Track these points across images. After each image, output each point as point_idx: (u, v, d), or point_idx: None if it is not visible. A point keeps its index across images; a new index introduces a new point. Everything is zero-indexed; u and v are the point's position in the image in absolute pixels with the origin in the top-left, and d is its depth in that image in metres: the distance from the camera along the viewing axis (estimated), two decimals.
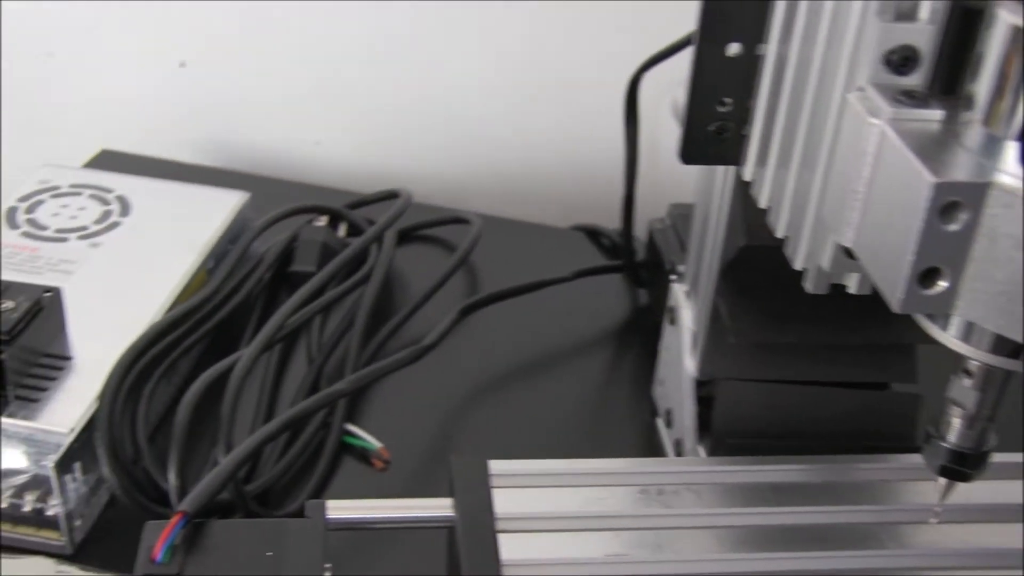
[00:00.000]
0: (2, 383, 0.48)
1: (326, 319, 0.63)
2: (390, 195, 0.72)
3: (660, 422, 0.57)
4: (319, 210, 0.69)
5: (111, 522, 0.51)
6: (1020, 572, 0.40)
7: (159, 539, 0.38)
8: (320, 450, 0.55)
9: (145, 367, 0.53)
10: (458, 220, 0.73)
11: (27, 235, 0.61)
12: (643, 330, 0.66)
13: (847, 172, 0.35)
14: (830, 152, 0.37)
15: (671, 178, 0.66)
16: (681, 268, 0.57)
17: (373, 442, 0.55)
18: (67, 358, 0.52)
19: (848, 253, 0.36)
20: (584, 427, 0.60)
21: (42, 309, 0.51)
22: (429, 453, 0.57)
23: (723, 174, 0.49)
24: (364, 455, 0.55)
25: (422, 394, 0.60)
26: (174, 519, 0.38)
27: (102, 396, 0.49)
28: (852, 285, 0.39)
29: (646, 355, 0.63)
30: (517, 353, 0.64)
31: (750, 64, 0.43)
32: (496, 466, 0.42)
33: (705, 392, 0.52)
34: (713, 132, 0.44)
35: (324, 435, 0.55)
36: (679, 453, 0.53)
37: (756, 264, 0.48)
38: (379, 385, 0.59)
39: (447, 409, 0.59)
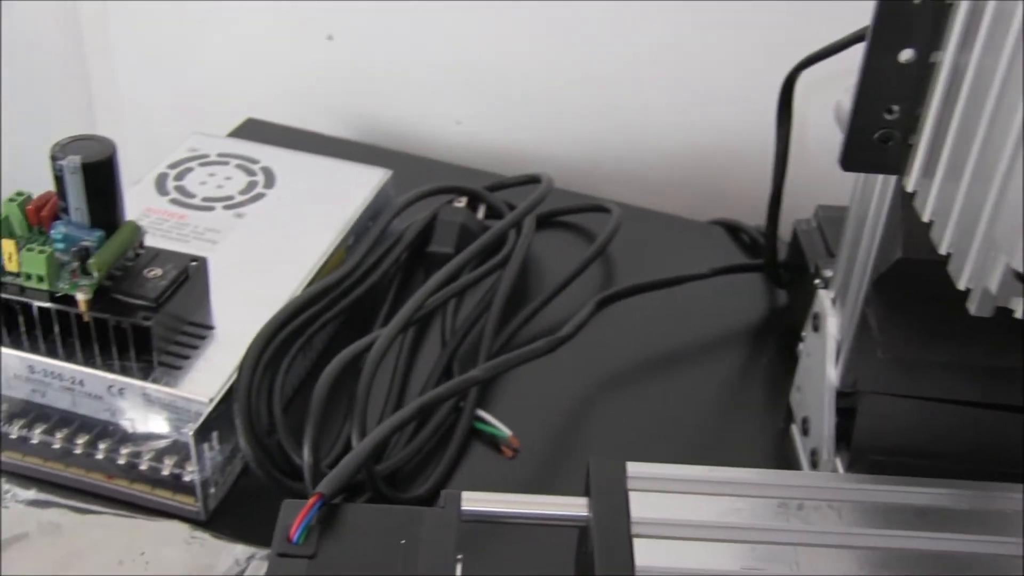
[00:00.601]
0: (148, 349, 0.49)
1: (461, 302, 0.63)
2: (531, 179, 0.71)
3: (795, 429, 0.56)
4: (460, 191, 0.69)
5: (243, 492, 0.52)
6: None
7: (296, 519, 0.38)
8: (450, 434, 0.55)
9: (283, 341, 0.53)
10: (598, 208, 0.72)
11: (175, 202, 0.62)
12: (780, 332, 0.65)
13: None
14: (1008, 170, 0.35)
15: (817, 178, 0.65)
16: (827, 272, 0.56)
17: (504, 430, 0.55)
18: (210, 327, 0.53)
19: (1020, 278, 0.35)
20: (716, 428, 0.59)
21: (188, 278, 0.51)
22: (559, 445, 0.56)
23: (882, 182, 0.48)
24: (494, 442, 0.55)
25: (554, 384, 0.59)
26: (311, 500, 0.39)
27: (241, 368, 0.50)
28: (1019, 310, 0.37)
29: (782, 358, 0.61)
30: (651, 348, 0.63)
31: (923, 71, 0.41)
32: (633, 468, 0.41)
33: (846, 404, 0.50)
34: (877, 140, 0.43)
35: (455, 420, 0.55)
36: (814, 463, 0.52)
37: (911, 278, 0.46)
38: (511, 372, 0.58)
39: (578, 401, 0.59)
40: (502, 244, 0.64)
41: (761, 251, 0.69)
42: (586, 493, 0.41)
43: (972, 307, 0.39)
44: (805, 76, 0.59)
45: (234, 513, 0.51)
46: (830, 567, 0.39)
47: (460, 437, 0.54)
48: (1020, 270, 0.34)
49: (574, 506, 0.40)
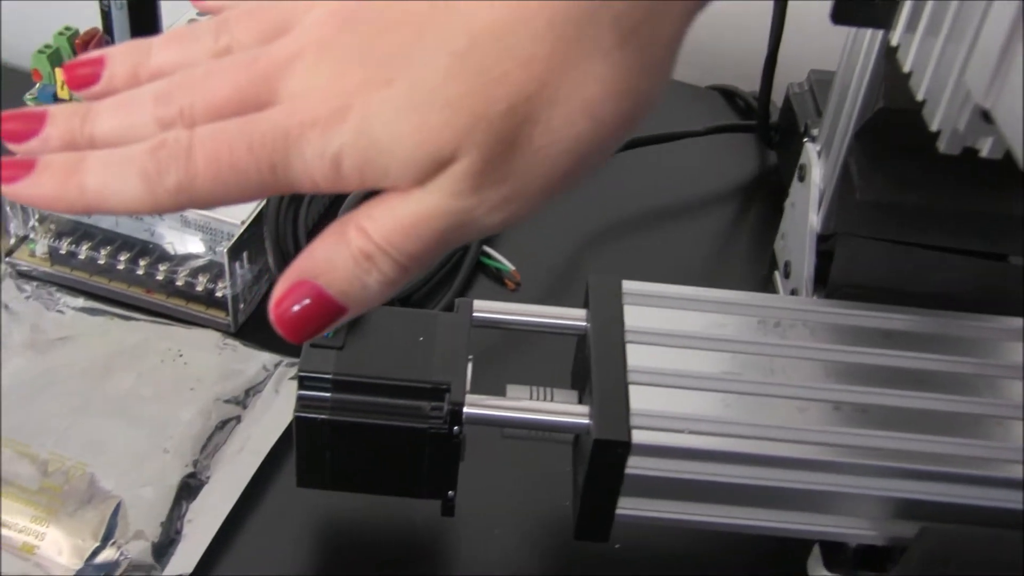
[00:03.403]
0: None
1: None
2: None
3: (777, 274, 0.60)
4: None
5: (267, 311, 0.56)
6: None
7: None
8: (458, 267, 0.59)
9: None
10: None
11: None
12: (768, 190, 0.69)
13: (995, 39, 0.37)
14: (981, 18, 0.39)
15: (810, 46, 0.68)
16: (815, 131, 0.60)
17: (507, 264, 0.60)
18: None
19: (986, 116, 0.38)
20: (705, 273, 0.63)
21: None
22: (557, 281, 0.61)
23: (869, 39, 0.51)
24: (498, 276, 0.60)
25: (556, 227, 0.64)
26: None
27: (269, 196, 0.54)
28: (985, 149, 0.41)
29: (769, 213, 0.65)
30: (647, 198, 0.67)
31: None
32: (628, 285, 0.46)
33: (825, 247, 0.54)
34: None
35: (462, 254, 0.60)
36: None
37: (891, 127, 0.50)
38: None
39: (578, 243, 0.63)
40: None
41: (755, 115, 0.73)
42: (585, 305, 0.45)
43: (942, 146, 0.43)
44: None
45: (260, 329, 0.55)
46: (800, 375, 0.43)
47: (467, 269, 0.59)
48: (987, 107, 0.38)
49: (574, 317, 0.45)
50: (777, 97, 0.70)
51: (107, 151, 0.30)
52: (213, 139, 0.29)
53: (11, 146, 0.32)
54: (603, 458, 0.40)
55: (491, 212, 0.29)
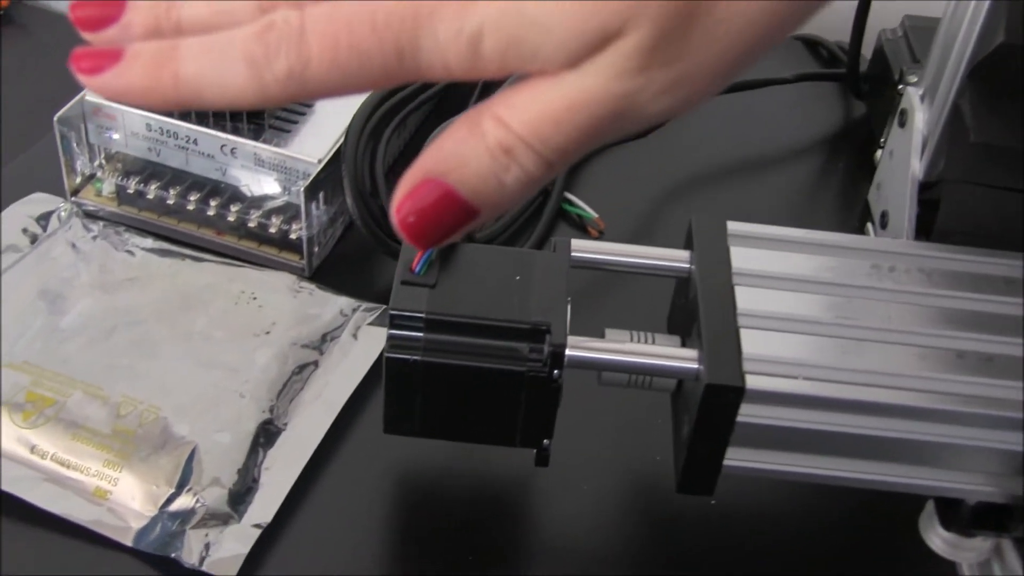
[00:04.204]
0: (260, 112, 0.51)
1: None
2: None
3: (871, 226, 0.57)
4: None
5: (341, 256, 0.54)
6: None
7: (418, 253, 0.40)
8: (539, 213, 0.57)
9: (383, 115, 0.55)
10: None
11: None
12: (856, 141, 0.66)
13: None
14: None
15: None
16: (912, 78, 0.57)
17: (590, 212, 0.57)
18: (308, 104, 0.54)
19: None
20: (791, 223, 0.60)
21: None
22: (640, 229, 0.58)
23: None
24: (580, 223, 0.57)
25: (639, 175, 0.61)
26: None
27: (347, 133, 0.52)
28: None
29: (856, 164, 0.63)
30: (731, 147, 0.65)
31: None
32: (733, 226, 0.43)
33: (928, 195, 0.52)
34: None
35: (544, 200, 0.57)
36: None
37: (1010, 65, 0.47)
38: (599, 159, 0.60)
39: (662, 191, 0.61)
40: None
41: (839, 66, 0.70)
42: (687, 246, 0.43)
43: None
44: None
45: (334, 273, 0.53)
46: (920, 323, 0.41)
47: (549, 215, 0.57)
48: None
49: (677, 258, 0.42)
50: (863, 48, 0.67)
51: (204, 37, 0.27)
52: (329, 19, 0.26)
53: (87, 35, 0.28)
54: (714, 404, 0.37)
55: (656, 97, 0.26)
